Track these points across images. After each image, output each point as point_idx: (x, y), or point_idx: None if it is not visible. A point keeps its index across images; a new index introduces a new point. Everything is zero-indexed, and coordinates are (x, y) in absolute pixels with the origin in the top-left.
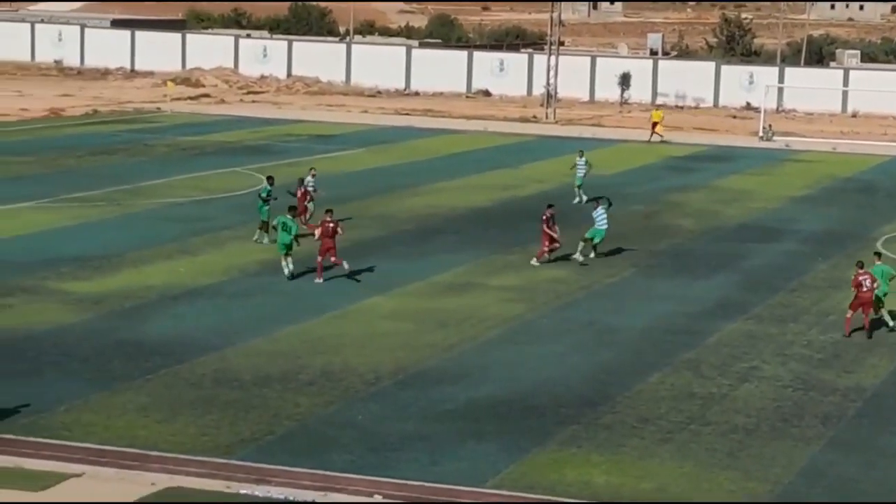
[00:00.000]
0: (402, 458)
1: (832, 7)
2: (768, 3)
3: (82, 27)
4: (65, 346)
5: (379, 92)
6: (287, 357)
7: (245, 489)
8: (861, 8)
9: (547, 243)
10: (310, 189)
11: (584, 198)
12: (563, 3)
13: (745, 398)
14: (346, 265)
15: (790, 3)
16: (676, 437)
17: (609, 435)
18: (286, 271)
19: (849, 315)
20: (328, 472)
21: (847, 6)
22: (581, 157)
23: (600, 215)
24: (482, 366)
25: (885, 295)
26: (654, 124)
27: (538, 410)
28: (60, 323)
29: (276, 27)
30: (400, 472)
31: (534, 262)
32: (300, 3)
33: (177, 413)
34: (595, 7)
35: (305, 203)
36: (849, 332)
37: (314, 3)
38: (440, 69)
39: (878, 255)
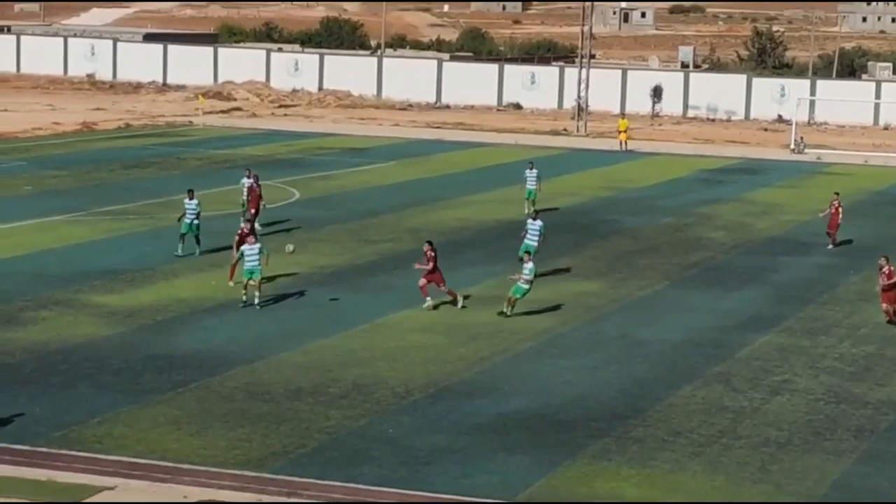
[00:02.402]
0: (433, 472)
1: (864, 20)
2: (800, 17)
3: (115, 41)
4: (97, 359)
5: (410, 105)
6: (318, 370)
7: (276, 502)
8: (893, 21)
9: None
10: (245, 188)
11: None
12: (593, 15)
13: (777, 411)
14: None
15: (822, 16)
16: (708, 450)
17: (640, 448)
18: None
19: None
20: (359, 486)
21: (879, 19)
22: (531, 169)
23: (533, 229)
24: (513, 379)
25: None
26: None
27: (569, 424)
28: (93, 336)
29: (307, 41)
30: (431, 485)
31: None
32: (332, 17)
33: (208, 426)
34: (626, 20)
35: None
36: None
37: None
38: (471, 82)
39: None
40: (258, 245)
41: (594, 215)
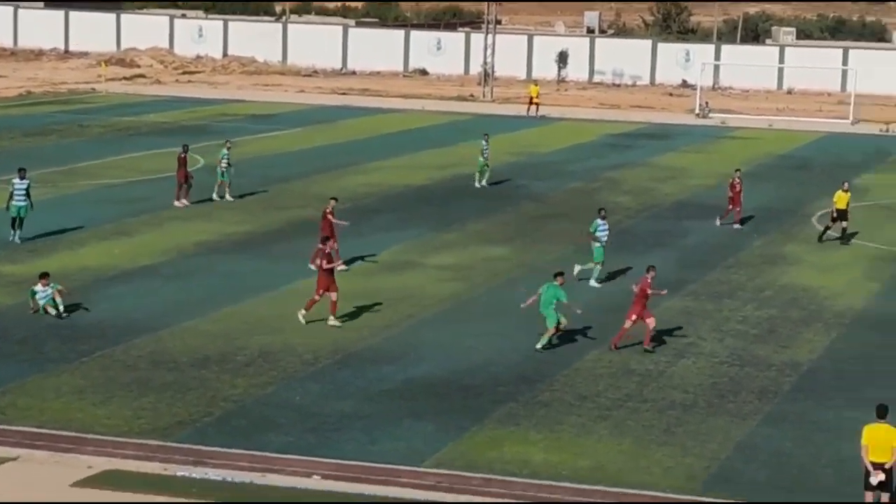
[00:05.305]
0: (340, 438)
1: None
2: None
3: (15, 7)
4: (0, 328)
5: (315, 71)
6: (225, 338)
7: (182, 471)
8: None
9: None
10: (224, 161)
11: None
12: None
13: (682, 374)
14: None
15: None
16: (614, 414)
17: (547, 413)
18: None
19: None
20: (266, 454)
21: None
22: (486, 141)
23: (603, 229)
24: (420, 345)
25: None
26: (531, 98)
27: (476, 389)
28: None
29: (211, 7)
30: (338, 451)
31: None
32: None
33: (113, 395)
34: None
35: (188, 178)
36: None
37: None
38: (377, 48)
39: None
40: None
41: (502, 180)
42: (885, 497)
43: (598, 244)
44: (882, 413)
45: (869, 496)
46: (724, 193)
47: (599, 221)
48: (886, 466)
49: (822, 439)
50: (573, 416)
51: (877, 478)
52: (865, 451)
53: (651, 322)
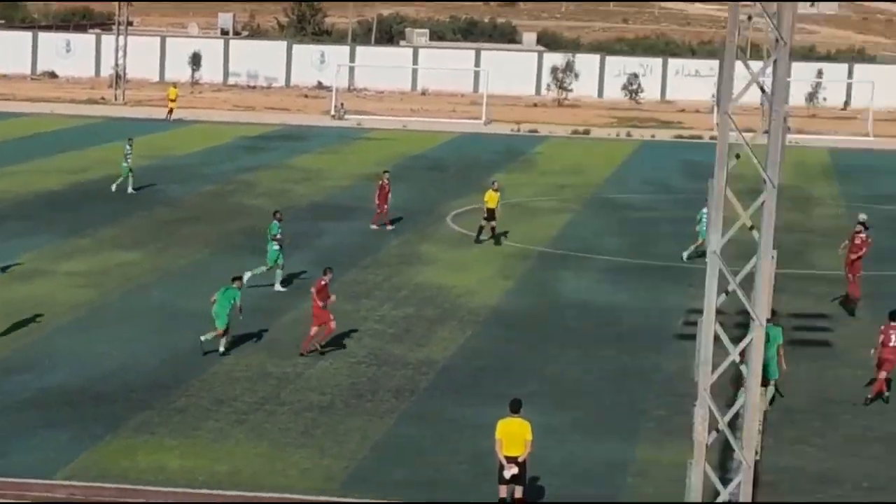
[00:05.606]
0: None
1: None
2: None
3: None
4: None
5: None
6: None
7: None
8: None
9: None
10: None
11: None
12: None
13: (320, 376)
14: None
15: None
16: (251, 417)
17: (183, 418)
18: None
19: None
20: None
21: None
22: (130, 145)
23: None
24: (53, 353)
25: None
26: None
27: (109, 397)
28: None
29: None
30: None
31: None
32: None
33: None
34: None
35: None
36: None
37: None
38: (3, 50)
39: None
40: None
41: (139, 186)
42: (518, 490)
43: (276, 246)
44: (515, 407)
45: (503, 490)
46: (359, 194)
47: (276, 223)
48: (520, 460)
49: (458, 436)
50: (210, 420)
51: (510, 471)
52: (499, 446)
53: (314, 330)
